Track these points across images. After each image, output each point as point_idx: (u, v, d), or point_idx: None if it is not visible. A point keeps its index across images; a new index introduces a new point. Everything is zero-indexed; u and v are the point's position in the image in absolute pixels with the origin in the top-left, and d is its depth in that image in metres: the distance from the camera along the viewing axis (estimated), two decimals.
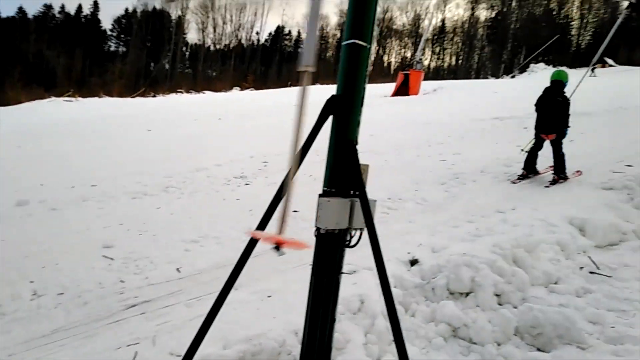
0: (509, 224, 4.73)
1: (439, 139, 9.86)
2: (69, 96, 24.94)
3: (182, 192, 6.60)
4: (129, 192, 6.54)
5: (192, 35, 65.36)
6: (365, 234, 2.14)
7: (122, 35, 65.25)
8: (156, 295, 3.70)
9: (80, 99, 24.33)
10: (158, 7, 61.57)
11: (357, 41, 2.23)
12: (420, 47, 25.15)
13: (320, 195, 2.30)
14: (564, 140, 6.59)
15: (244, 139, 10.76)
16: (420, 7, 73.16)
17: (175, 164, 8.02)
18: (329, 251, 2.23)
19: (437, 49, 75.84)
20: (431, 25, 58.41)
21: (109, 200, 6.22)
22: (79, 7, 63.14)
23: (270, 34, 73.74)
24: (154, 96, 31.36)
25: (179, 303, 3.54)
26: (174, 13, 62.43)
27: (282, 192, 2.00)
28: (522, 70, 50.13)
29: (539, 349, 3.02)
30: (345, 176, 2.33)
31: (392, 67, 74.75)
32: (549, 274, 3.87)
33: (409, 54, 70.91)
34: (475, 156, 8.04)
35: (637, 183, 5.83)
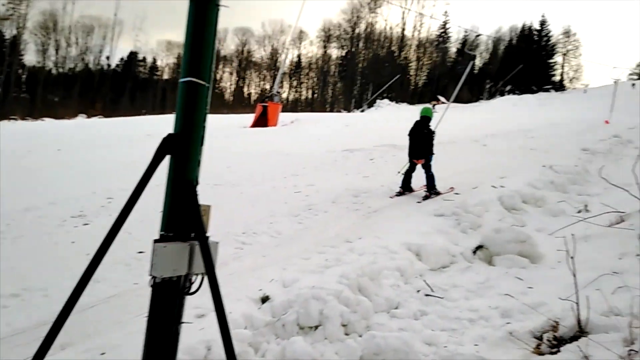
0: (355, 253, 4.98)
1: (295, 170, 10.14)
2: None
3: (4, 238, 5.71)
4: None
5: (31, 57, 58.43)
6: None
7: None
8: None
9: None
10: None
11: (194, 79, 2.17)
12: (277, 80, 25.97)
13: (155, 241, 2.15)
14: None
15: (87, 173, 9.82)
16: (277, 42, 75.85)
17: None
18: (167, 301, 2.08)
19: (295, 83, 79.07)
20: (287, 60, 60.70)
21: None
22: None
23: (122, 59, 69.63)
24: None
25: None
26: (9, 32, 55.46)
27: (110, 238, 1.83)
28: (370, 105, 54.56)
29: None
30: (184, 219, 2.21)
31: (252, 98, 75.74)
32: (390, 299, 4.14)
33: (268, 86, 72.64)
34: (327, 187, 8.41)
35: (462, 210, 6.63)
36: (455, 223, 6.28)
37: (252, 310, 3.73)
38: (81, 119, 31.76)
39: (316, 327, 3.51)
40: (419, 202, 7.46)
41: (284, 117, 24.83)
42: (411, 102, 59.24)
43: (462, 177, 9.32)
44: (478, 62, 71.72)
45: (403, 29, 69.45)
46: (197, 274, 2.20)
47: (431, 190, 7.76)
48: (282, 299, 3.81)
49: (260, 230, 6.13)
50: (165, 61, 75.30)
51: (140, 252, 5.11)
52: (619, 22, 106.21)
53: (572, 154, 11.08)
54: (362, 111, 50.23)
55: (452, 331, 3.83)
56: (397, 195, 7.93)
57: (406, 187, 8.03)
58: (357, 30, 71.78)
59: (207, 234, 2.24)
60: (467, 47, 69.80)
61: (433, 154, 7.88)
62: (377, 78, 62.12)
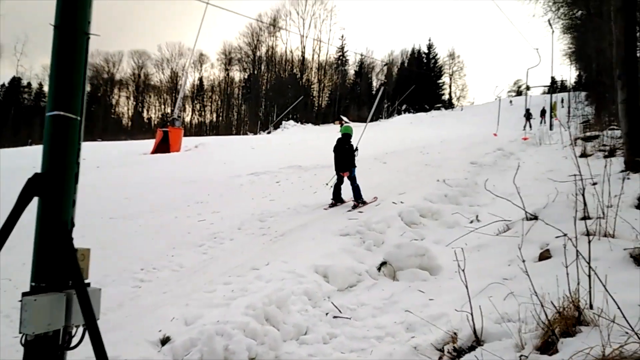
0: (262, 281, 4.87)
1: (199, 197, 9.79)
2: None
3: None
4: None
5: None
6: None
7: None
8: None
9: None
10: None
11: (63, 113, 1.98)
12: (178, 104, 25.15)
13: (24, 294, 1.91)
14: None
15: None
16: (176, 65, 73.99)
17: None
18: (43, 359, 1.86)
19: (198, 106, 77.38)
20: (187, 83, 59.38)
21: None
22: None
23: (3, 85, 63.62)
24: None
25: None
26: None
27: None
28: (276, 126, 54.94)
29: None
30: (58, 266, 1.99)
31: (153, 123, 72.82)
32: (299, 325, 4.07)
33: (169, 110, 70.33)
34: (233, 213, 8.21)
35: (366, 227, 6.79)
36: (360, 241, 6.41)
37: (151, 354, 3.47)
38: None
39: None
40: (349, 211, 8.29)
41: (188, 141, 24.05)
42: (316, 123, 60.80)
43: (365, 195, 9.61)
44: (375, 83, 75.64)
45: (303, 52, 71.28)
46: (77, 326, 1.98)
47: (358, 200, 8.60)
48: (184, 338, 3.59)
49: (161, 264, 5.79)
50: None
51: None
52: (498, 43, 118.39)
53: (462, 167, 11.93)
54: (269, 133, 50.41)
55: (361, 351, 3.85)
56: (330, 207, 8.70)
57: (337, 199, 8.86)
58: (258, 53, 72.34)
59: (87, 281, 2.04)
60: (365, 69, 73.36)
61: (355, 166, 8.84)
62: (281, 100, 62.93)
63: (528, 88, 38.70)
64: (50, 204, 1.98)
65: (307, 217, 7.93)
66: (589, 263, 2.74)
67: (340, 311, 4.50)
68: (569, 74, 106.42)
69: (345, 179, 8.78)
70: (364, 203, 8.63)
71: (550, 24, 27.75)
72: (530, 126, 30.10)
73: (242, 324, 3.68)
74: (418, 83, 59.05)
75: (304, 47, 71.07)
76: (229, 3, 14.65)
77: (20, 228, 1.85)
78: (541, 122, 32.13)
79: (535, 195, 7.08)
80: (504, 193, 7.32)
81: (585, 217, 4.87)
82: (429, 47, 75.04)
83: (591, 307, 2.76)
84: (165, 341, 3.62)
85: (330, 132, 41.56)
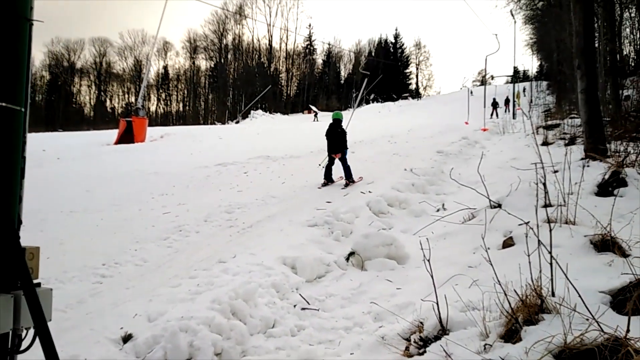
0: (229, 274, 4.78)
1: (164, 189, 9.56)
2: None
3: None
4: None
5: None
6: None
7: None
8: None
9: None
10: None
11: (5, 104, 1.84)
12: (141, 93, 24.43)
13: None
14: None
15: None
16: (140, 53, 71.97)
17: None
18: None
19: (163, 95, 75.63)
20: (150, 72, 57.94)
21: None
22: None
23: None
24: None
25: None
26: None
27: None
28: (245, 116, 54.33)
29: None
30: (4, 266, 1.86)
31: (117, 112, 70.89)
32: (266, 318, 4.02)
33: (133, 99, 68.48)
34: (199, 205, 8.05)
35: (334, 218, 6.77)
36: (328, 232, 6.39)
37: (112, 352, 3.36)
38: None
39: None
40: (342, 188, 9.17)
41: (153, 131, 23.50)
42: (285, 112, 60.42)
43: (333, 185, 9.60)
44: (343, 72, 75.67)
45: (270, 41, 70.46)
46: (27, 328, 1.87)
47: (349, 179, 9.44)
48: (147, 335, 3.48)
49: (124, 259, 5.61)
50: None
51: None
52: (462, 33, 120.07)
53: (429, 156, 12.06)
54: (237, 122, 49.83)
55: (329, 342, 3.84)
56: (323, 186, 9.50)
57: (328, 179, 9.64)
58: (224, 42, 71.07)
59: (37, 280, 1.93)
60: (333, 58, 73.20)
61: (347, 148, 9.70)
62: (250, 89, 62.23)
63: (492, 77, 39.46)
64: None
65: (275, 208, 7.85)
66: (550, 252, 2.78)
67: (308, 303, 4.47)
68: (530, 63, 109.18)
69: (337, 160, 9.60)
70: (353, 182, 9.47)
71: (512, 15, 28.27)
72: (497, 115, 30.87)
73: (207, 319, 3.60)
74: (386, 73, 59.36)
75: (271, 36, 70.32)
76: None
77: None
78: (505, 111, 32.98)
79: (499, 183, 7.23)
80: (469, 181, 7.46)
81: (547, 205, 4.99)
82: (396, 36, 75.52)
83: (553, 294, 2.81)
84: (127, 339, 3.50)
85: (300, 122, 41.39)
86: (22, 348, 1.87)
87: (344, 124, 9.97)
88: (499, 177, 8.15)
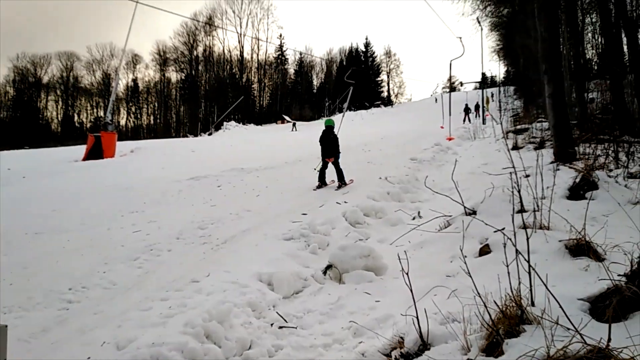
0: (203, 294, 4.61)
1: (134, 206, 9.27)
2: None
3: None
4: None
5: None
6: None
7: None
8: None
9: None
10: None
11: None
12: (109, 108, 23.89)
13: None
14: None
15: None
16: (108, 67, 70.75)
17: None
18: None
19: (133, 108, 74.42)
20: (119, 85, 57.01)
21: None
22: None
23: None
24: None
25: None
26: None
27: None
28: (218, 127, 53.86)
29: None
30: None
31: (85, 127, 69.40)
32: (242, 340, 3.87)
33: (102, 113, 67.12)
34: (171, 222, 7.82)
35: (310, 230, 6.67)
36: (304, 245, 6.27)
37: None
38: None
39: None
40: (336, 190, 9.84)
41: (123, 146, 22.95)
42: (258, 123, 60.11)
43: (308, 196, 9.51)
44: (316, 81, 75.98)
45: (241, 52, 70.26)
46: None
47: (341, 181, 10.09)
48: None
49: (91, 282, 5.36)
50: None
51: None
52: (431, 42, 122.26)
53: (403, 164, 12.10)
54: (210, 134, 49.31)
55: None
56: (317, 188, 10.15)
57: (322, 182, 10.32)
58: (195, 53, 70.54)
59: None
60: (305, 68, 73.36)
61: (340, 152, 10.39)
62: (222, 100, 61.78)
63: (461, 84, 40.19)
64: None
65: (250, 222, 7.69)
66: (528, 261, 2.74)
67: (285, 321, 4.34)
68: (498, 69, 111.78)
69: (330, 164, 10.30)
70: (345, 184, 10.12)
71: (479, 22, 28.91)
72: (470, 120, 31.45)
73: (179, 345, 3.44)
74: (357, 81, 59.85)
75: (242, 47, 70.17)
76: (162, 2, 14.07)
77: None
78: (476, 117, 33.62)
79: (473, 189, 7.27)
80: (443, 188, 7.49)
81: (521, 210, 5.00)
82: (367, 45, 76.43)
83: (533, 304, 2.77)
84: None
85: (274, 132, 41.25)
86: None
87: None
88: (472, 183, 8.21)
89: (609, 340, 2.08)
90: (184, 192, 10.62)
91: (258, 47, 70.98)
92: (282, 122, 58.03)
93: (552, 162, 8.31)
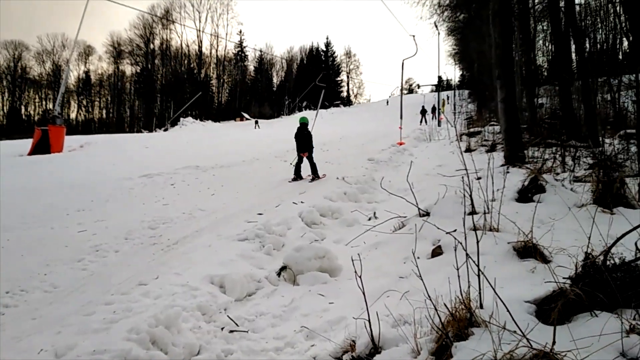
0: (150, 297, 4.43)
1: (81, 204, 8.86)
2: None
3: None
4: None
5: None
6: None
7: None
8: None
9: None
10: None
11: None
12: (58, 100, 22.86)
13: None
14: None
15: None
16: (59, 58, 67.70)
17: None
18: None
19: (85, 102, 71.59)
20: (68, 77, 54.72)
21: None
22: None
23: None
24: None
25: None
26: None
27: None
28: (174, 123, 52.61)
29: None
30: None
31: (33, 120, 66.12)
32: (190, 345, 3.73)
33: (51, 106, 64.17)
34: (119, 221, 7.51)
35: (266, 231, 6.55)
36: (259, 246, 6.16)
37: None
38: None
39: None
40: (310, 182, 10.60)
41: (72, 140, 22.03)
42: (216, 119, 59.11)
43: (265, 196, 9.39)
44: (276, 79, 75.58)
45: (200, 47, 68.87)
46: None
47: (315, 174, 10.93)
48: None
49: (31, 285, 5.05)
50: None
51: None
52: (389, 43, 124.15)
53: (361, 164, 12.18)
54: (165, 130, 48.12)
55: None
56: (292, 181, 10.88)
57: (298, 175, 11.06)
58: (151, 47, 68.55)
59: None
60: (265, 65, 72.80)
61: (313, 147, 11.22)
62: (179, 95, 60.41)
63: (418, 86, 41.00)
64: None
65: (203, 222, 7.49)
66: (477, 264, 2.77)
67: (237, 324, 4.22)
68: (453, 73, 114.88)
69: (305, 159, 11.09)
70: (318, 177, 10.91)
71: (436, 26, 29.54)
72: (426, 122, 32.13)
73: (123, 352, 3.27)
74: (327, 84, 60.06)
75: (201, 42, 68.76)
76: None
77: None
78: (432, 118, 34.41)
79: (428, 190, 7.38)
80: (399, 189, 7.55)
81: (473, 212, 5.10)
82: (327, 45, 76.63)
83: (481, 306, 2.80)
84: None
85: (234, 129, 40.66)
86: None
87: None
88: (427, 184, 8.34)
89: (554, 343, 2.11)
90: (135, 190, 10.25)
91: (217, 43, 69.82)
92: (241, 120, 57.37)
93: (502, 165, 8.56)
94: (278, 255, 5.89)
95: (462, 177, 4.73)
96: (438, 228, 4.11)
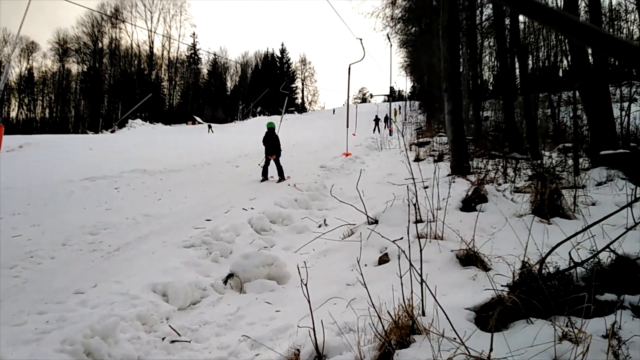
0: (87, 307, 4.21)
1: (16, 207, 8.34)
2: None
3: None
4: None
5: None
6: None
7: None
8: None
9: None
10: None
11: None
12: None
13: None
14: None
15: None
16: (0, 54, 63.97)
17: None
18: None
19: (26, 100, 67.91)
20: (9, 74, 51.88)
21: None
22: None
23: None
24: None
25: None
26: None
27: None
28: (122, 125, 50.87)
29: None
30: None
31: None
32: (128, 356, 3.56)
33: None
34: (57, 226, 7.11)
35: (213, 237, 6.41)
36: (206, 252, 6.02)
37: None
38: None
39: None
40: (276, 183, 11.20)
41: (10, 140, 20.77)
42: (167, 122, 57.61)
43: (214, 201, 9.21)
44: (229, 84, 74.76)
45: (151, 47, 67.07)
46: None
47: (281, 176, 11.50)
48: None
49: None
50: None
51: None
52: (343, 52, 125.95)
53: (313, 171, 12.21)
54: (113, 132, 46.46)
55: None
56: (261, 181, 11.51)
57: (265, 177, 11.69)
58: (99, 45, 66.06)
59: None
60: (219, 69, 71.84)
61: (281, 150, 11.89)
62: (128, 97, 58.53)
63: (371, 96, 41.75)
64: None
65: (148, 227, 7.24)
66: (420, 273, 2.82)
67: (178, 334, 4.09)
68: (405, 84, 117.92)
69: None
70: (284, 179, 11.42)
71: (389, 38, 30.26)
72: (379, 130, 32.77)
73: None
74: (272, 86, 59.87)
75: (152, 42, 66.97)
76: None
77: None
78: (385, 127, 35.12)
79: (377, 198, 7.48)
80: (350, 197, 7.62)
81: (418, 221, 5.22)
82: (282, 51, 76.67)
83: (424, 313, 2.85)
84: None
85: (185, 133, 39.74)
86: None
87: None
88: (377, 192, 8.45)
89: (491, 349, 2.17)
90: (76, 193, 9.78)
91: (169, 44, 68.26)
92: (193, 123, 56.21)
93: (448, 175, 8.83)
94: (225, 263, 5.77)
95: (408, 187, 4.83)
96: (382, 237, 4.15)
